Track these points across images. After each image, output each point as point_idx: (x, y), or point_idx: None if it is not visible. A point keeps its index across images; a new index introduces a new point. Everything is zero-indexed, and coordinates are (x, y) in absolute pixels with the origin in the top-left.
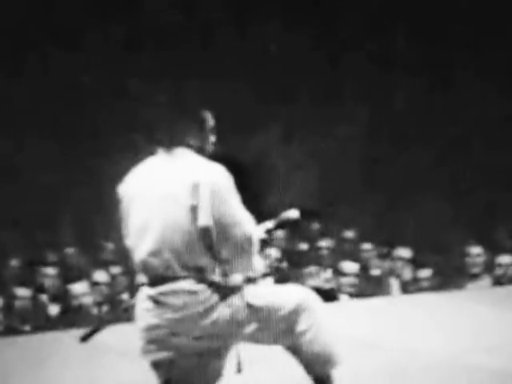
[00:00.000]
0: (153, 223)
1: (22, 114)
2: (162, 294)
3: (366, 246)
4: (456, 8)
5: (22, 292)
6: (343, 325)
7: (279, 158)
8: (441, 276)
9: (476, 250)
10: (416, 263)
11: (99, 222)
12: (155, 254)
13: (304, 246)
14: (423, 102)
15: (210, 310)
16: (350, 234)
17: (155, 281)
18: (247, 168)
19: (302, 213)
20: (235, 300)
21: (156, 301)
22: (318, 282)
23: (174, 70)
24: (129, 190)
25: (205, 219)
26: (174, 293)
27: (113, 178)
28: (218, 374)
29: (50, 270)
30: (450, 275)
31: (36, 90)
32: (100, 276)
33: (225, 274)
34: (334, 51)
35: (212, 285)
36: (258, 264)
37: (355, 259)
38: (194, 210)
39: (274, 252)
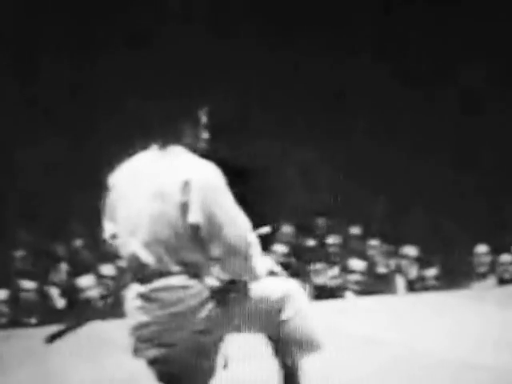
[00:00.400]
0: (144, 219)
1: (32, 114)
2: (154, 290)
3: (373, 243)
4: (469, 17)
5: (29, 284)
6: (349, 322)
7: (289, 162)
8: (447, 275)
9: (482, 250)
10: (422, 262)
11: None
12: (147, 250)
13: (311, 243)
14: (432, 110)
15: (204, 303)
16: (356, 231)
17: (146, 277)
18: (244, 168)
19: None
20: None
21: (147, 298)
22: (325, 278)
23: (180, 71)
24: (119, 183)
25: (195, 216)
26: (167, 288)
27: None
28: (212, 370)
29: (58, 263)
30: (456, 274)
31: (46, 92)
32: (107, 269)
33: (218, 273)
34: (347, 58)
35: (205, 282)
36: (260, 266)
37: (362, 257)
38: (184, 206)
39: (281, 248)
